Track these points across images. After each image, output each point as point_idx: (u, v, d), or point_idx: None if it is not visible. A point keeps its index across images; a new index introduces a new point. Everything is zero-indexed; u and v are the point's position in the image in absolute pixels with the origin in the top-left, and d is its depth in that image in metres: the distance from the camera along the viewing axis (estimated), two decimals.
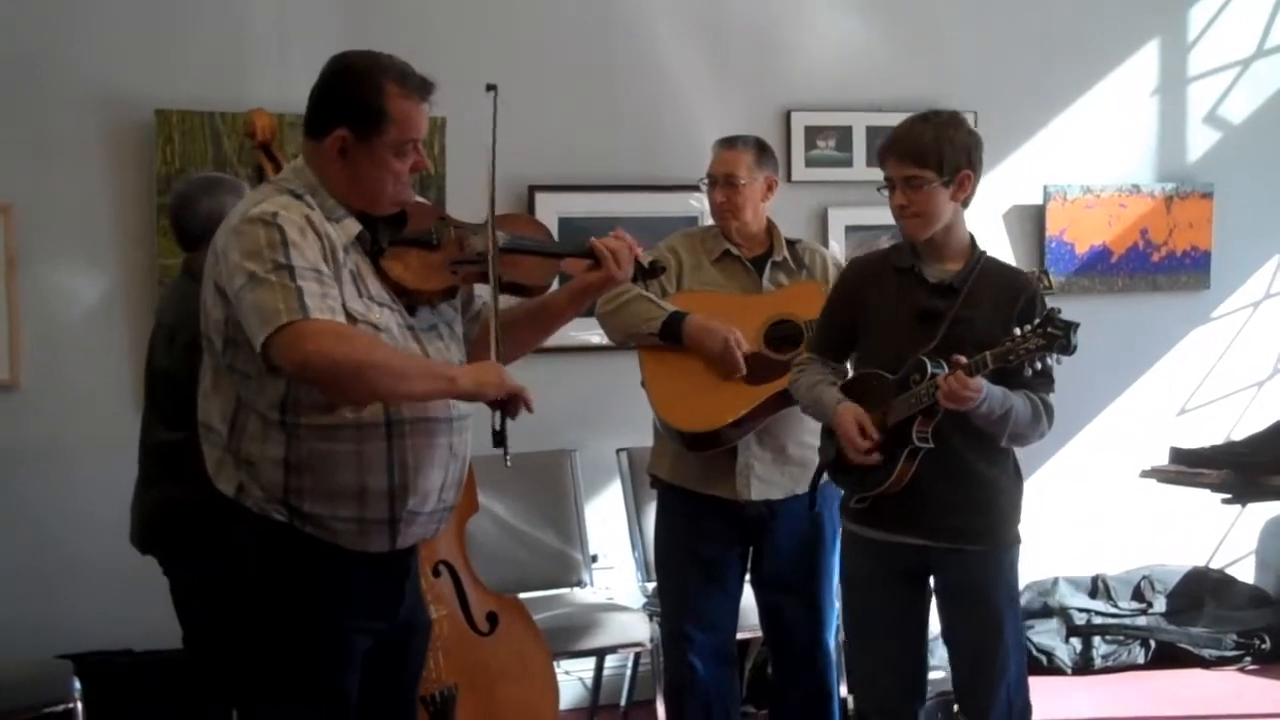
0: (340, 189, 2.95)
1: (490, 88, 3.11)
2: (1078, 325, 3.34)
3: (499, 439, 2.93)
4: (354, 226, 2.95)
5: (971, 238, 3.76)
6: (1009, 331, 3.44)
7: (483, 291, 3.31)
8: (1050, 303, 3.53)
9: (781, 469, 4.34)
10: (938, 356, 3.49)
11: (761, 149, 4.47)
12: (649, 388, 4.38)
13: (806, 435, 4.36)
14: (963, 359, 3.41)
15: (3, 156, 5.09)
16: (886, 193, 3.68)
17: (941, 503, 3.61)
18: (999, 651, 3.66)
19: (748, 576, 4.52)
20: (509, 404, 2.93)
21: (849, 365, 3.90)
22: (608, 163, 5.74)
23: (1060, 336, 3.33)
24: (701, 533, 4.40)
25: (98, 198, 5.20)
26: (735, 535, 4.40)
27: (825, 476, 3.93)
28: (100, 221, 5.21)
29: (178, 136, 5.16)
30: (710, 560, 4.41)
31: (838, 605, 4.46)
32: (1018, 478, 3.75)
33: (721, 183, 4.41)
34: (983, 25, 6.30)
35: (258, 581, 2.90)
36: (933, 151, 3.59)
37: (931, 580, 3.75)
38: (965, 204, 3.71)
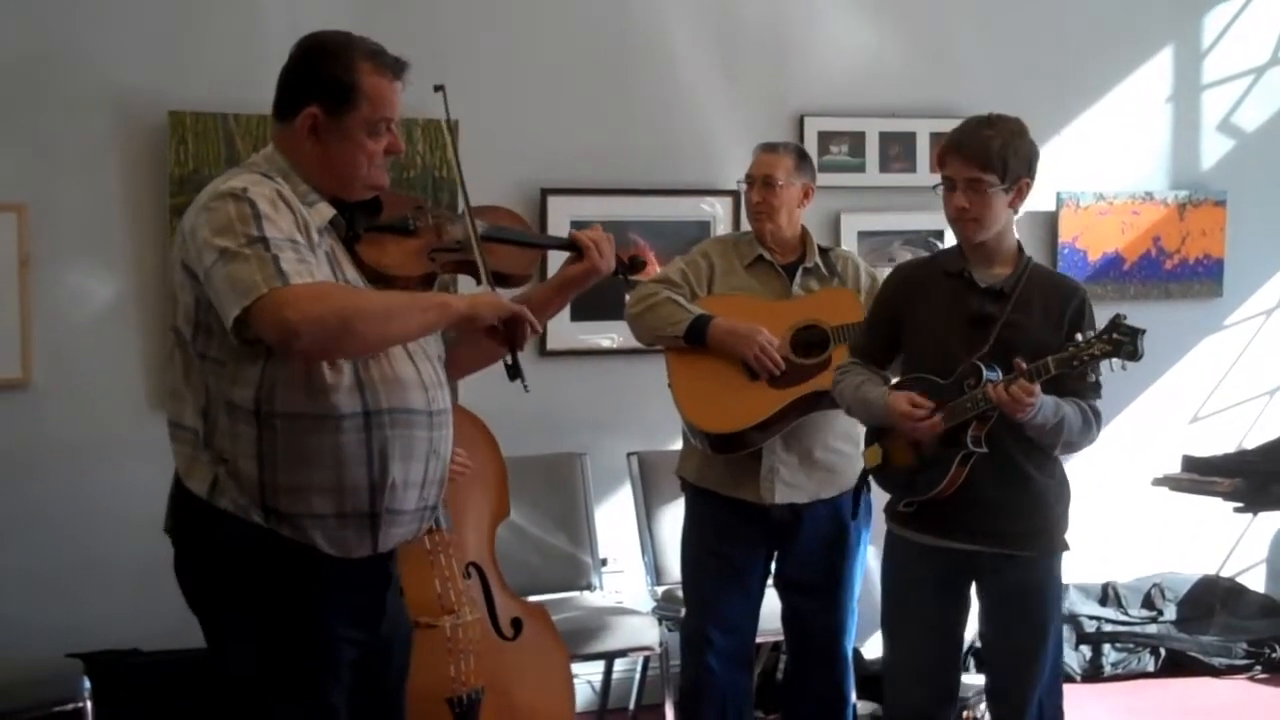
0: (312, 172, 2.88)
1: (438, 88, 3.14)
2: (1144, 331, 3.31)
3: (514, 371, 2.92)
4: (327, 211, 2.88)
5: (1019, 244, 3.75)
6: (1059, 336, 3.44)
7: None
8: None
9: (808, 474, 4.36)
10: (991, 361, 3.48)
11: (801, 156, 4.54)
12: (675, 389, 4.40)
13: (833, 440, 4.37)
14: (1023, 364, 3.39)
15: (16, 157, 5.10)
16: (942, 193, 3.67)
17: (994, 507, 3.60)
18: (1041, 657, 3.67)
19: (770, 580, 4.53)
20: (513, 327, 2.89)
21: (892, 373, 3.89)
22: (621, 167, 5.73)
23: (1127, 343, 3.31)
24: (727, 535, 4.42)
25: (111, 199, 5.21)
26: (760, 538, 4.42)
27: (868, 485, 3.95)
28: (113, 222, 5.22)
29: (191, 138, 5.17)
30: (734, 563, 4.43)
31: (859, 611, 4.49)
32: (1065, 482, 3.74)
33: (760, 184, 4.45)
34: (996, 32, 6.29)
35: (239, 589, 2.83)
36: (998, 157, 3.58)
37: (974, 586, 3.74)
38: (1017, 211, 3.70)
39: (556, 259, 3.33)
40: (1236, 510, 5.21)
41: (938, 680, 3.77)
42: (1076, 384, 3.56)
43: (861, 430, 4.03)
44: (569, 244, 3.26)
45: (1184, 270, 6.59)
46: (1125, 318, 3.38)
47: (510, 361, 2.92)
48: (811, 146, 5.97)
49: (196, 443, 2.82)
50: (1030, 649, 3.67)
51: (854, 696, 4.60)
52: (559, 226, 5.50)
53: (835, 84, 6.06)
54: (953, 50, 6.23)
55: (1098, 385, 3.62)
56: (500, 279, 3.17)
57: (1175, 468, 5.34)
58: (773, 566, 4.53)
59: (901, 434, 3.65)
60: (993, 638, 3.75)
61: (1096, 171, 6.45)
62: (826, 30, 6.08)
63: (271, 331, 2.64)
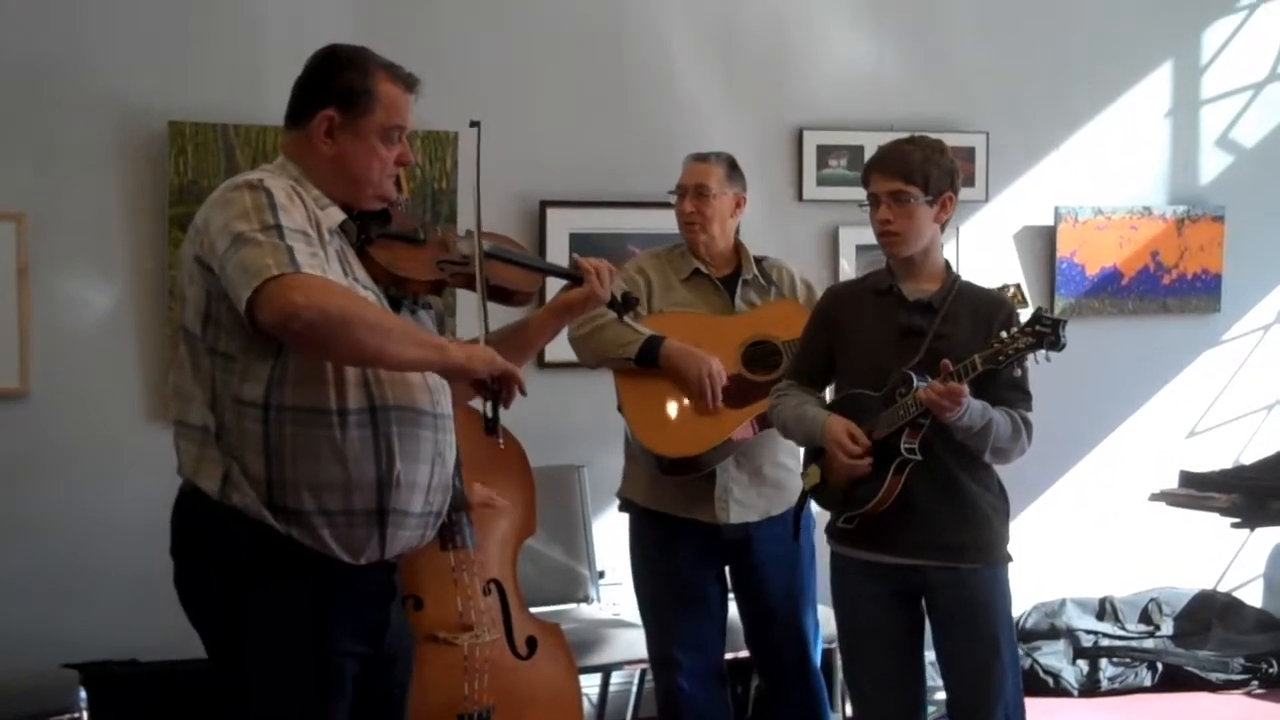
0: (325, 178, 2.94)
1: (474, 124, 3.20)
2: (1065, 321, 3.37)
3: (491, 425, 2.93)
4: (338, 214, 2.94)
5: (947, 262, 3.80)
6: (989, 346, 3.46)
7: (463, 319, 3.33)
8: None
9: (758, 491, 4.35)
10: (922, 371, 3.51)
11: (732, 166, 4.50)
12: (626, 412, 4.36)
13: (782, 456, 4.37)
14: (950, 364, 3.44)
15: (15, 165, 5.11)
16: (869, 210, 3.73)
17: (934, 521, 3.63)
18: (996, 672, 3.66)
19: (731, 598, 4.51)
20: (501, 385, 2.91)
21: (828, 393, 3.92)
22: (619, 179, 5.73)
23: (1049, 333, 3.35)
24: (678, 556, 4.39)
25: (110, 208, 5.21)
26: (712, 557, 4.40)
27: (807, 504, 3.96)
28: (112, 232, 5.22)
29: (191, 148, 5.18)
30: (689, 583, 4.41)
31: (827, 627, 4.47)
32: (1004, 496, 3.77)
33: (692, 193, 4.44)
34: (995, 46, 6.31)
35: (245, 596, 2.84)
36: (919, 170, 3.65)
37: (924, 601, 3.75)
38: (944, 228, 3.76)
39: (553, 288, 3.35)
40: (1234, 526, 5.20)
41: (903, 693, 3.78)
42: (1007, 393, 3.60)
43: None
44: (571, 272, 3.30)
45: (1182, 285, 6.59)
46: (1047, 310, 3.45)
47: (489, 416, 2.94)
48: (810, 160, 5.99)
49: (206, 439, 2.83)
50: (984, 663, 3.66)
51: (848, 709, 4.58)
52: (558, 239, 5.51)
53: (834, 98, 6.07)
54: (952, 64, 6.24)
55: (1027, 395, 3.66)
56: (504, 295, 3.22)
57: (1173, 483, 5.33)
58: (728, 583, 4.50)
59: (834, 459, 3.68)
60: (946, 655, 3.75)
61: (1095, 186, 6.45)
62: (825, 44, 6.09)
63: (275, 313, 2.65)
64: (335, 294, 2.71)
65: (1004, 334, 3.43)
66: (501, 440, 2.94)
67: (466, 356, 2.87)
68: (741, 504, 4.30)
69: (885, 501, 3.60)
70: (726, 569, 4.46)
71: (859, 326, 3.77)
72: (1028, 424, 3.64)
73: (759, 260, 4.51)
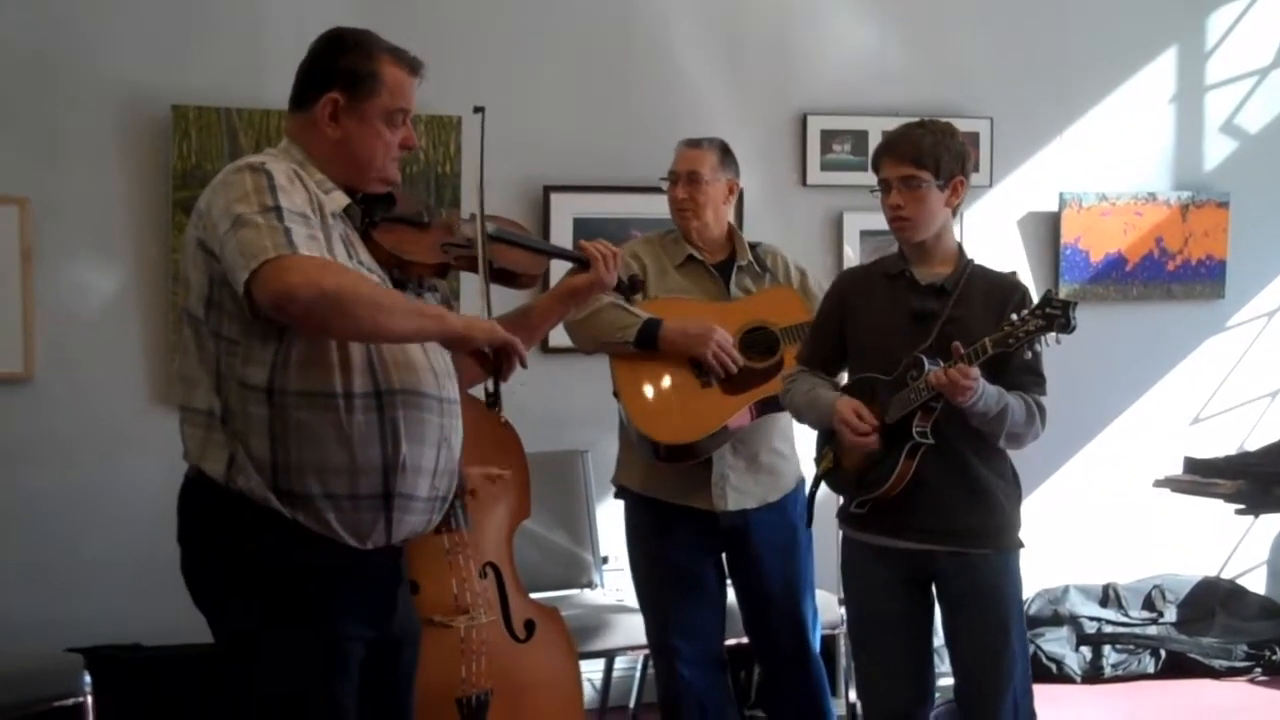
0: (329, 162, 2.94)
1: (478, 110, 3.22)
2: (1075, 303, 3.36)
3: (493, 399, 2.95)
4: (342, 198, 2.94)
5: (960, 245, 3.78)
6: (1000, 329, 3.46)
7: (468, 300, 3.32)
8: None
9: (754, 478, 4.33)
10: (933, 355, 3.50)
11: (725, 151, 4.46)
12: (622, 398, 4.34)
13: (778, 443, 4.35)
14: (961, 347, 3.43)
15: (19, 151, 5.11)
16: (880, 196, 3.71)
17: (945, 506, 3.62)
18: (1005, 658, 3.65)
19: (729, 584, 4.51)
20: (501, 358, 2.91)
21: (844, 379, 3.90)
22: (623, 164, 5.72)
23: (1059, 315, 3.34)
24: (674, 543, 4.37)
25: (113, 193, 5.21)
26: (709, 544, 4.38)
27: (818, 491, 3.95)
28: (116, 216, 5.22)
29: (194, 133, 5.17)
30: (686, 570, 4.39)
31: (826, 613, 4.46)
32: (1016, 482, 3.76)
33: (684, 180, 4.39)
34: (999, 32, 6.29)
35: (252, 582, 2.84)
36: (930, 154, 3.63)
37: (934, 587, 3.75)
38: (955, 212, 3.74)
39: (557, 274, 3.35)
40: (1238, 512, 5.19)
41: (910, 680, 3.77)
42: (1021, 376, 3.60)
43: (799, 430, 4.03)
44: (577, 255, 3.29)
45: (1186, 271, 6.58)
46: (1056, 293, 3.44)
47: (491, 390, 2.94)
48: (814, 145, 5.98)
49: (211, 423, 2.83)
50: (993, 650, 3.65)
51: (851, 695, 4.57)
52: (562, 224, 5.51)
53: (838, 83, 6.06)
54: (955, 49, 6.23)
55: (1041, 379, 3.66)
56: (508, 277, 3.21)
57: (1177, 469, 5.32)
58: (725, 569, 4.49)
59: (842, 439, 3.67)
60: (955, 640, 3.74)
61: (1099, 172, 6.44)
62: (829, 29, 6.08)
63: (271, 295, 2.65)
64: (331, 272, 2.71)
65: (1014, 317, 3.42)
66: (502, 412, 2.94)
67: (466, 325, 2.89)
68: (738, 491, 4.29)
69: (897, 485, 3.59)
70: (724, 556, 4.45)
71: (871, 310, 3.76)
72: (1041, 408, 3.63)
73: (753, 246, 4.49)
